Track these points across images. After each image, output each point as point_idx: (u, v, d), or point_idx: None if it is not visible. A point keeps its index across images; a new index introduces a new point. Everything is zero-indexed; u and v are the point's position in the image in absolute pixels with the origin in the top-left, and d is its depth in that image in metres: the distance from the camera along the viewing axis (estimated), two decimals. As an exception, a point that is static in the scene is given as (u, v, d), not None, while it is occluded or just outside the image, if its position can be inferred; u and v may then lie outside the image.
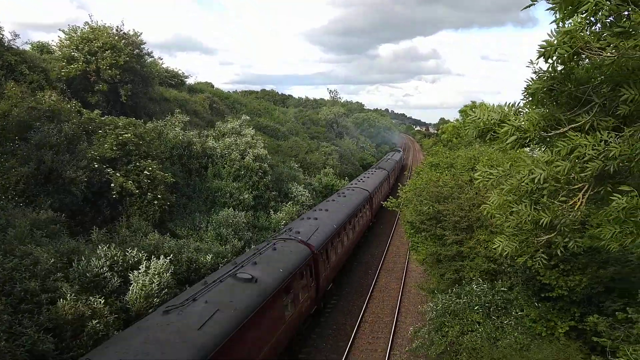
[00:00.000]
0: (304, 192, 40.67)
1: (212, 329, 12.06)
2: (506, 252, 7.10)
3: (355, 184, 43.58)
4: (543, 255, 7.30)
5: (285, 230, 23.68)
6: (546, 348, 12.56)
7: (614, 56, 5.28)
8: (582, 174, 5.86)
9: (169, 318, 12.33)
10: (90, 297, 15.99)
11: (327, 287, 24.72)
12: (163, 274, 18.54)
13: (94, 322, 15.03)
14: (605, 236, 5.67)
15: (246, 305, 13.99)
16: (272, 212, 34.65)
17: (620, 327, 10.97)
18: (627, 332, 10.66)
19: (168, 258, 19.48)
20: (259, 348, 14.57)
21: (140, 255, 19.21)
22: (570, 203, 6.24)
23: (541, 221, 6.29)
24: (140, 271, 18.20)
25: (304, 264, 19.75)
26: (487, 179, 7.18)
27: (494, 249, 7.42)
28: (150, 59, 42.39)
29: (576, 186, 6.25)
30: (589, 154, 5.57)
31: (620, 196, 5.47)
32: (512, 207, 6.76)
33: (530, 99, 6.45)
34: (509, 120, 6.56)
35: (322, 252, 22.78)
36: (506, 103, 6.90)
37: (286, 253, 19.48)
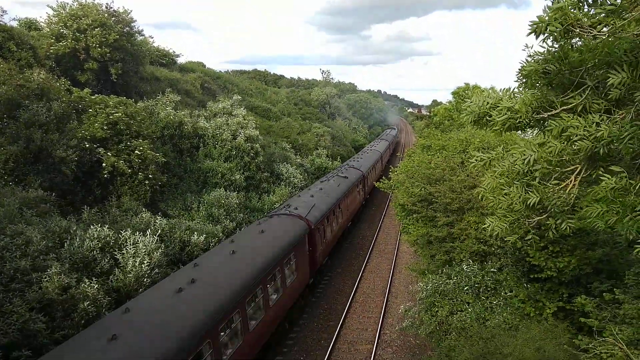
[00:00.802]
0: (295, 174, 40.68)
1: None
2: (496, 232, 7.15)
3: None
4: (535, 236, 7.37)
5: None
6: (534, 328, 12.71)
7: (604, 35, 5.27)
8: (574, 155, 5.89)
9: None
10: (85, 279, 15.96)
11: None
12: (153, 253, 18.51)
13: (86, 304, 15.04)
14: (591, 215, 5.72)
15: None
16: (264, 194, 34.66)
17: (607, 307, 11.12)
18: (613, 313, 10.81)
19: (157, 235, 19.44)
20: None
21: (129, 234, 19.14)
22: (563, 185, 6.27)
23: (529, 201, 6.35)
24: (129, 250, 18.14)
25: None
26: (481, 162, 7.21)
27: (484, 228, 7.48)
28: (141, 38, 41.88)
29: (568, 168, 6.28)
30: (579, 135, 5.59)
31: (609, 177, 5.51)
32: (504, 189, 6.79)
33: (524, 80, 6.44)
34: (502, 101, 6.56)
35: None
36: (501, 89, 6.90)
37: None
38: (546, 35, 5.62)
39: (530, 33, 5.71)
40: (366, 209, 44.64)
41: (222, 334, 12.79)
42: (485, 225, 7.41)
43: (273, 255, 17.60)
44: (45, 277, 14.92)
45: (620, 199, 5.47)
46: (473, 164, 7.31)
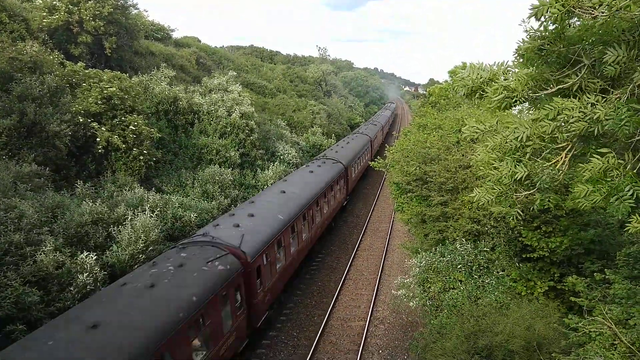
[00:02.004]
0: (290, 151, 40.59)
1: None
2: (482, 202, 7.25)
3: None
4: (519, 210, 7.45)
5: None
6: (525, 307, 12.86)
7: (606, 15, 5.23)
8: (567, 134, 5.90)
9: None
10: (79, 253, 16.02)
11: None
12: (149, 232, 18.51)
13: (85, 275, 15.11)
14: (579, 195, 5.75)
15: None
16: (259, 170, 34.60)
17: (597, 287, 11.24)
18: (603, 293, 10.94)
19: (155, 213, 19.45)
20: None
21: (123, 209, 19.15)
22: (553, 162, 6.30)
23: (517, 175, 6.40)
24: (125, 228, 18.17)
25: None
26: (474, 134, 7.23)
27: (472, 197, 7.60)
28: (136, 11, 41.32)
29: (560, 145, 6.29)
30: (575, 117, 5.59)
31: (598, 157, 5.53)
32: (494, 164, 6.85)
33: (521, 60, 6.40)
34: (498, 79, 6.52)
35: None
36: (495, 62, 6.84)
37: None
38: (547, 17, 5.57)
39: (531, 16, 5.65)
40: (361, 185, 44.71)
41: (292, 234, 20.79)
42: (472, 195, 7.50)
43: (320, 188, 26.24)
44: (40, 252, 14.95)
45: (608, 180, 5.50)
46: (466, 134, 7.33)
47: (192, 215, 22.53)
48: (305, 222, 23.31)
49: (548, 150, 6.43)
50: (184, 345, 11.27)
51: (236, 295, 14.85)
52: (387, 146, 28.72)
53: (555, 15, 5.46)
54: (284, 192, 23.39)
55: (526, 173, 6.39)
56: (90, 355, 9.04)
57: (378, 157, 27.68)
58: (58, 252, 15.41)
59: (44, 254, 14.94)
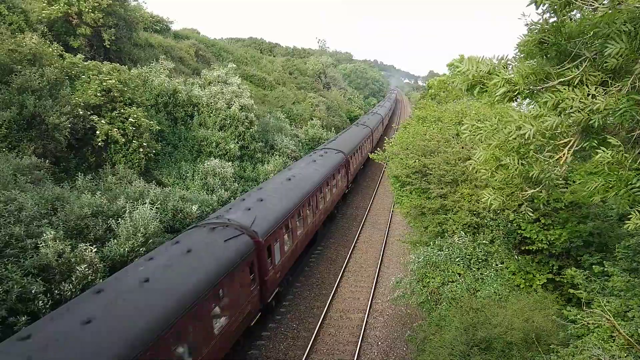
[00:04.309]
0: (289, 145, 40.59)
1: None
2: (493, 206, 7.19)
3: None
4: (529, 208, 7.43)
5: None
6: (524, 299, 12.93)
7: (607, 7, 5.23)
8: (568, 127, 5.90)
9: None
10: (80, 245, 16.05)
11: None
12: (149, 224, 18.52)
13: (84, 266, 15.15)
14: (589, 188, 5.75)
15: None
16: (259, 163, 34.62)
17: (596, 280, 11.31)
18: (602, 285, 11.00)
19: (155, 206, 19.44)
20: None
21: (123, 201, 19.16)
22: (556, 158, 6.30)
23: (531, 174, 6.37)
24: (125, 221, 18.17)
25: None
26: (474, 134, 7.20)
27: (481, 201, 7.55)
28: (134, 3, 41.16)
29: (562, 141, 6.30)
30: (575, 107, 5.59)
31: (605, 149, 5.52)
32: (500, 162, 6.81)
33: (522, 55, 6.41)
34: (499, 73, 6.52)
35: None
36: (495, 55, 6.85)
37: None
38: (546, 7, 5.56)
39: (530, 4, 5.65)
40: (360, 177, 44.72)
41: (298, 217, 22.27)
42: (484, 199, 7.43)
43: (323, 175, 27.71)
44: (41, 243, 14.98)
45: (616, 172, 5.51)
46: (466, 134, 7.31)
47: (193, 208, 22.54)
48: (310, 208, 24.55)
49: (550, 147, 6.43)
50: (213, 301, 13.59)
51: (250, 271, 16.43)
52: (387, 138, 28.74)
53: (555, 4, 5.46)
54: (290, 179, 24.54)
55: (539, 172, 6.37)
56: (157, 294, 11.67)
57: (378, 149, 27.71)
58: (58, 240, 15.39)
59: (44, 242, 14.96)
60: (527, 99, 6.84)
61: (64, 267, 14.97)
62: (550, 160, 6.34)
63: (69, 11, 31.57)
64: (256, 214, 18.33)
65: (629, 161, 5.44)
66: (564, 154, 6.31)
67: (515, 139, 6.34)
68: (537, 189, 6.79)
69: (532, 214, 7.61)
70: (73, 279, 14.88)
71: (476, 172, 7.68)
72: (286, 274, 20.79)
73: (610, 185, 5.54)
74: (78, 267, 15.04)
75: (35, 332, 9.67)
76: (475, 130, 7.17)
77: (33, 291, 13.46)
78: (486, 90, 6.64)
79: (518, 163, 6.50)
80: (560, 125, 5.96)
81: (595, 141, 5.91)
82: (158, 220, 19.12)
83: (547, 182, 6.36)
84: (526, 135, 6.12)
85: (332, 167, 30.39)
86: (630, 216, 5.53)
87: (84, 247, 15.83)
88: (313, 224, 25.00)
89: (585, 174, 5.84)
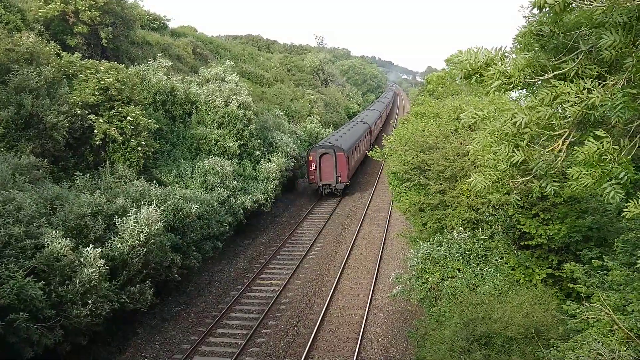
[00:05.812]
0: (288, 143, 40.53)
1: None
2: (479, 188, 7.29)
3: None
4: (516, 196, 7.51)
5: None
6: (523, 294, 12.97)
7: (604, 6, 5.23)
8: (564, 121, 5.93)
9: None
10: (81, 247, 15.95)
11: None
12: (152, 225, 18.44)
13: (91, 270, 15.04)
14: (573, 177, 5.80)
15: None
16: (262, 161, 34.55)
17: (595, 274, 11.32)
18: (601, 279, 11.02)
19: (161, 207, 19.40)
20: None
21: (123, 201, 19.11)
22: (550, 148, 6.33)
23: (513, 159, 6.43)
24: (129, 220, 18.08)
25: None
26: (472, 119, 7.27)
27: (469, 182, 7.64)
28: (131, 1, 41.10)
29: (557, 132, 6.32)
30: (571, 101, 5.61)
31: (593, 140, 5.55)
32: (492, 148, 6.89)
33: (519, 47, 6.43)
34: (495, 64, 6.53)
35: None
36: (493, 47, 6.86)
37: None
38: (545, 12, 5.60)
39: (532, 8, 5.67)
40: (359, 174, 44.93)
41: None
42: (469, 180, 7.54)
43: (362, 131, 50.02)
44: (42, 243, 14.93)
45: (602, 164, 5.53)
46: (464, 119, 7.37)
47: (193, 208, 22.49)
48: (361, 144, 46.52)
49: (545, 137, 6.46)
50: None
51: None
52: (385, 135, 28.76)
53: (555, 6, 5.47)
54: (350, 130, 47.54)
55: (522, 158, 6.42)
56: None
57: (376, 146, 27.71)
58: (62, 240, 15.30)
59: (46, 239, 14.90)
60: (523, 90, 6.88)
61: (65, 269, 14.90)
62: (544, 151, 6.37)
63: (66, 10, 31.50)
64: (343, 140, 40.48)
65: (622, 153, 5.46)
66: (558, 145, 6.33)
67: (508, 127, 6.39)
68: (528, 178, 6.85)
69: (519, 201, 7.70)
70: (77, 281, 14.77)
71: (472, 156, 7.82)
72: (353, 174, 41.40)
73: (595, 176, 5.58)
74: (85, 270, 14.91)
75: None
76: (473, 116, 7.25)
77: (32, 293, 13.38)
78: (483, 81, 6.67)
79: (508, 150, 6.56)
80: (554, 117, 5.99)
81: (592, 134, 5.93)
82: (160, 224, 19.04)
83: (537, 171, 6.40)
84: (517, 124, 6.16)
85: (364, 131, 50.49)
86: (629, 204, 5.53)
87: (90, 249, 15.64)
88: (363, 151, 45.58)
89: (573, 163, 5.86)
